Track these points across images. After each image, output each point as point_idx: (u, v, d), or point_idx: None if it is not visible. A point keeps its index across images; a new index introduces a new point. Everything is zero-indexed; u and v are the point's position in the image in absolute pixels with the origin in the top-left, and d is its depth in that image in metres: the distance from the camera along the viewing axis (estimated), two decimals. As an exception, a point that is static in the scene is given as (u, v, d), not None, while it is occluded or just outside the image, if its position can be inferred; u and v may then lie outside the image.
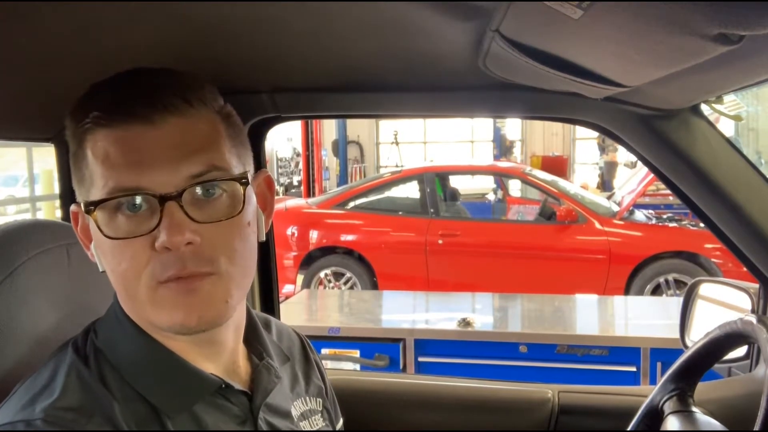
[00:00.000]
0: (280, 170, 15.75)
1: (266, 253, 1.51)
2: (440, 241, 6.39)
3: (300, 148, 13.20)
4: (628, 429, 1.07)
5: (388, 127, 16.10)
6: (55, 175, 1.34)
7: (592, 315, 4.50)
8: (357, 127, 15.45)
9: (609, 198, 7.58)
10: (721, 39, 0.54)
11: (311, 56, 1.08)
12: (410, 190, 7.14)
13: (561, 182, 7.36)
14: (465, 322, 3.69)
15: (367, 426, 1.40)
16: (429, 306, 4.96)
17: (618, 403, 1.42)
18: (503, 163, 11.19)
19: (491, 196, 9.55)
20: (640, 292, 5.91)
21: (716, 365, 1.07)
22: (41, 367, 0.74)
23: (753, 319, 0.88)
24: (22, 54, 0.87)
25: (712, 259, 5.79)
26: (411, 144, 16.66)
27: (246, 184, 0.73)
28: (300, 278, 6.57)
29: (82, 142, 0.72)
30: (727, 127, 7.85)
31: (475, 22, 0.82)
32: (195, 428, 0.74)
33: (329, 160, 14.98)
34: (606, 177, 14.04)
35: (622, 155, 12.95)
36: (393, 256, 6.51)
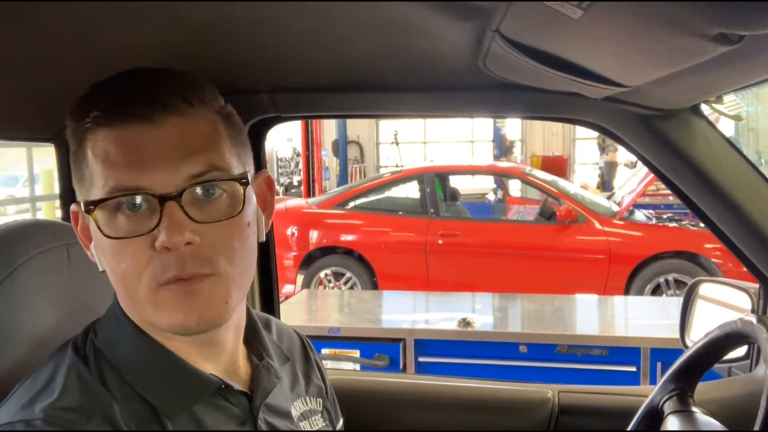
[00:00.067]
0: (280, 170, 15.75)
1: (266, 253, 1.51)
2: (440, 241, 6.39)
3: (300, 148, 13.20)
4: (628, 429, 1.07)
5: (388, 127, 16.10)
6: (55, 175, 1.34)
7: (592, 315, 4.50)
8: (357, 127, 15.45)
9: (609, 198, 7.58)
10: (721, 39, 0.54)
11: (311, 56, 1.08)
12: (410, 190, 7.14)
13: (561, 182, 7.36)
14: (465, 322, 3.69)
15: (367, 426, 1.40)
16: (429, 306, 4.96)
17: (618, 403, 1.42)
18: (503, 163, 11.19)
19: (491, 196, 9.55)
20: (640, 292, 5.91)
21: (716, 365, 1.07)
22: (41, 367, 0.74)
23: (753, 319, 0.88)
24: (22, 54, 0.87)
25: (712, 259, 5.79)
26: (411, 144, 16.66)
27: (246, 184, 0.73)
28: (300, 278, 6.57)
29: (82, 142, 0.72)
30: (727, 127, 7.85)
31: (475, 22, 0.82)
32: (195, 428, 0.74)
33: (329, 160, 14.98)
34: (606, 177, 14.04)
35: (622, 155, 12.95)
36: (393, 256, 6.51)
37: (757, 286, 1.30)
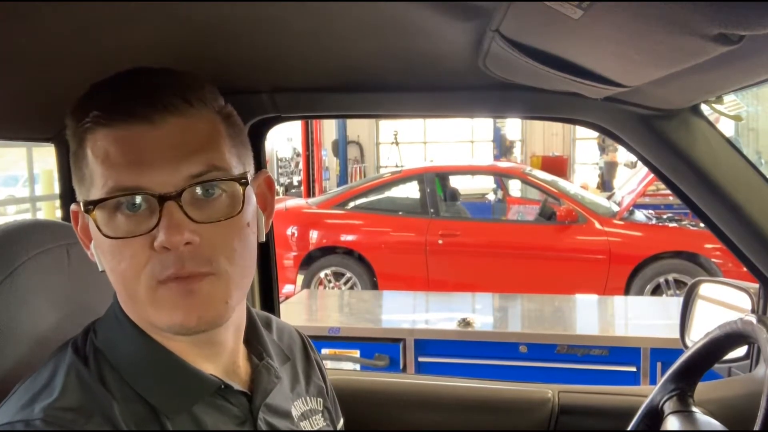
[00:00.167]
0: (280, 170, 15.75)
1: (266, 253, 1.51)
2: (440, 241, 6.38)
3: (300, 148, 13.19)
4: (628, 429, 1.07)
5: (388, 127, 16.10)
6: (55, 175, 1.34)
7: (592, 315, 4.50)
8: (357, 127, 15.45)
9: (609, 198, 7.58)
10: (721, 39, 0.54)
11: (311, 56, 1.08)
12: (410, 190, 7.14)
13: (561, 182, 7.36)
14: (465, 322, 3.69)
15: (367, 426, 1.40)
16: (429, 306, 4.96)
17: (618, 403, 1.41)
18: (503, 163, 11.19)
19: (491, 196, 9.55)
20: (640, 292, 5.91)
21: (716, 365, 1.07)
22: (41, 367, 0.74)
23: (753, 319, 0.88)
24: (22, 54, 0.87)
25: (712, 259, 5.79)
26: (411, 144, 16.66)
27: (245, 184, 0.73)
28: (300, 278, 6.57)
29: (82, 142, 0.72)
30: (727, 127, 7.85)
31: (475, 22, 0.82)
32: (194, 428, 0.74)
33: (329, 160, 14.98)
34: (606, 177, 14.04)
35: (622, 155, 12.95)
36: (393, 256, 6.51)
37: (757, 286, 1.30)
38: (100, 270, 0.74)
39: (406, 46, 1.00)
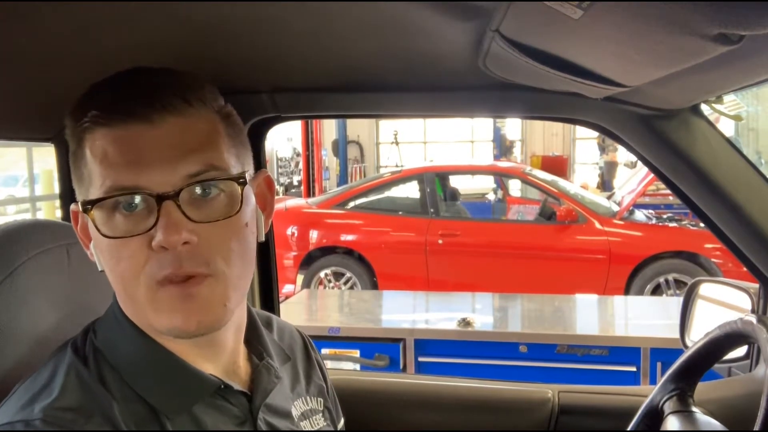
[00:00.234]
0: (280, 170, 15.74)
1: (266, 253, 1.51)
2: (440, 241, 6.38)
3: (300, 148, 13.19)
4: (628, 429, 1.07)
5: (388, 127, 16.10)
6: (55, 175, 1.34)
7: (592, 315, 4.50)
8: (357, 127, 15.45)
9: (609, 198, 7.58)
10: (721, 39, 0.54)
11: (311, 56, 1.08)
12: (410, 190, 7.14)
13: (561, 182, 7.36)
14: (465, 322, 3.69)
15: (367, 426, 1.40)
16: (429, 306, 4.96)
17: (618, 403, 1.41)
18: (503, 163, 11.18)
19: (491, 196, 9.55)
20: (640, 292, 5.91)
21: (716, 365, 1.07)
22: (41, 367, 0.74)
23: (753, 319, 0.88)
24: (22, 54, 0.87)
25: (712, 259, 5.79)
26: (411, 144, 16.66)
27: (244, 183, 0.73)
28: (300, 278, 6.57)
29: (81, 142, 0.72)
30: (727, 127, 7.85)
31: (475, 22, 0.82)
32: (194, 429, 0.74)
33: (329, 160, 14.98)
34: (606, 177, 14.04)
35: (622, 155, 12.95)
36: (393, 256, 6.51)
37: (757, 286, 1.30)
38: (100, 270, 0.74)
39: (406, 46, 1.00)
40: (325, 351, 3.55)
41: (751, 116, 10.37)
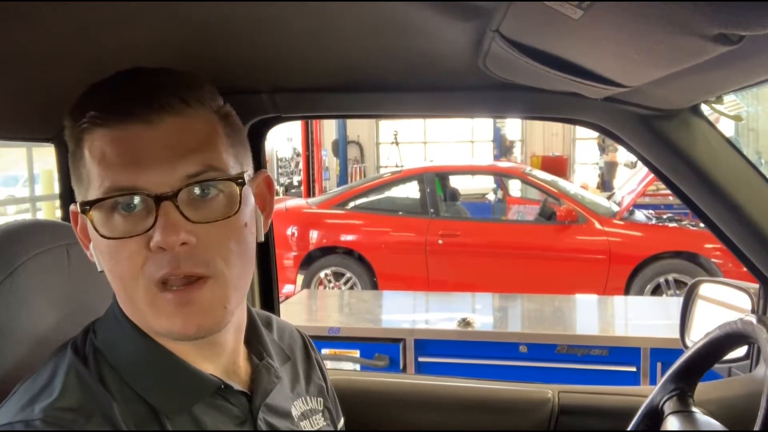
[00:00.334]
0: (280, 170, 15.75)
1: (266, 253, 1.51)
2: (440, 241, 6.38)
3: (300, 148, 13.19)
4: (628, 429, 1.07)
5: (388, 127, 16.10)
6: (55, 175, 1.34)
7: (592, 315, 4.50)
8: (357, 127, 15.45)
9: (609, 198, 7.58)
10: (721, 39, 0.54)
11: (311, 56, 1.08)
12: (410, 190, 7.14)
13: (561, 182, 7.36)
14: (465, 322, 3.69)
15: (367, 426, 1.40)
16: (429, 306, 4.96)
17: (618, 403, 1.41)
18: (503, 163, 11.19)
19: (491, 196, 9.55)
20: (640, 292, 5.91)
21: (716, 365, 1.07)
22: (41, 367, 0.74)
23: (753, 319, 0.88)
24: (22, 54, 0.87)
25: (712, 259, 5.79)
26: (411, 144, 16.66)
27: (242, 184, 0.73)
28: (300, 278, 6.57)
29: (79, 142, 0.72)
30: (727, 127, 7.84)
31: (475, 22, 0.82)
32: (194, 429, 0.74)
33: (329, 160, 14.98)
34: (606, 177, 14.04)
35: (622, 155, 12.95)
36: (393, 256, 6.50)
37: (757, 286, 1.30)
38: (100, 270, 0.74)
39: (406, 46, 1.00)
40: (325, 351, 3.55)
41: (751, 116, 10.37)
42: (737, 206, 1.16)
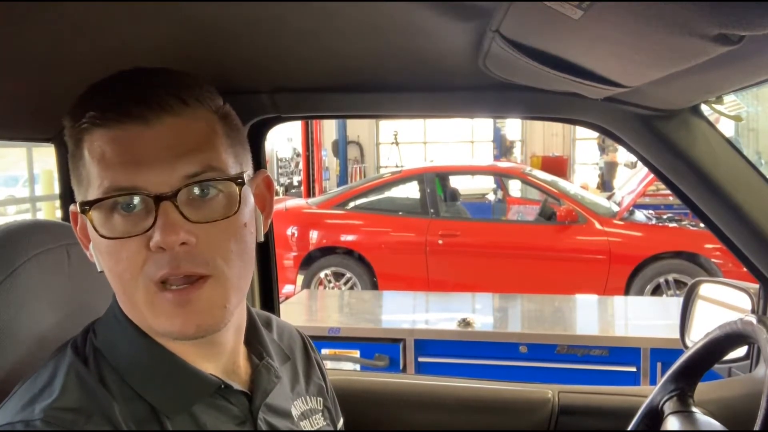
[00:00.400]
0: (280, 170, 15.75)
1: (266, 253, 1.51)
2: (440, 242, 6.38)
3: (300, 148, 13.19)
4: (628, 429, 1.07)
5: (388, 127, 16.10)
6: (55, 175, 1.34)
7: (592, 315, 4.49)
8: (357, 127, 15.45)
9: (609, 198, 7.58)
10: (721, 39, 0.54)
11: (311, 56, 1.08)
12: (410, 190, 7.14)
13: (561, 182, 7.36)
14: (465, 323, 3.69)
15: (367, 426, 1.40)
16: (429, 306, 4.96)
17: (618, 403, 1.41)
18: (503, 163, 11.19)
19: (491, 196, 9.55)
20: (640, 293, 5.91)
21: (716, 365, 1.07)
22: (41, 367, 0.74)
23: (753, 319, 0.88)
24: (23, 54, 0.87)
25: (712, 259, 5.79)
26: (411, 144, 16.66)
27: (242, 184, 0.73)
28: (300, 278, 6.57)
29: (79, 142, 0.72)
30: (727, 127, 7.84)
31: (475, 22, 0.83)
32: (194, 428, 0.74)
33: (329, 160, 14.98)
34: (606, 177, 14.04)
35: (622, 155, 12.95)
36: (393, 256, 6.50)
37: (757, 286, 1.30)
38: (99, 270, 0.74)
39: (406, 46, 1.00)
40: (325, 351, 3.55)
41: (751, 116, 10.36)
42: (737, 206, 1.16)
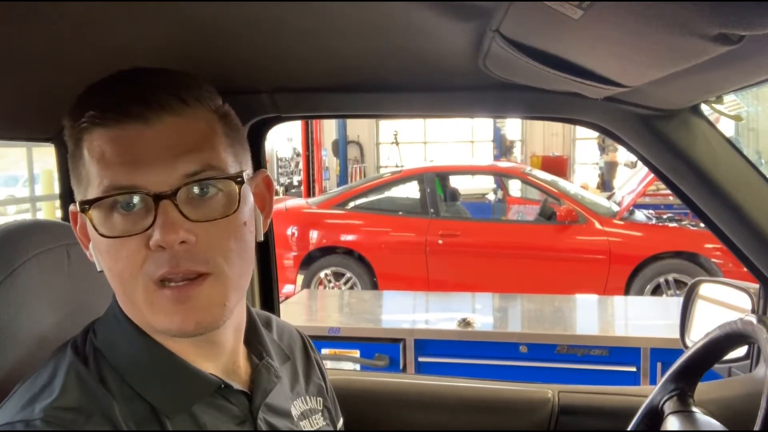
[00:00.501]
0: (280, 170, 15.75)
1: (266, 253, 1.51)
2: (440, 241, 6.38)
3: (300, 148, 13.19)
4: (628, 429, 1.07)
5: (388, 127, 16.10)
6: (55, 175, 1.34)
7: (592, 315, 4.50)
8: (357, 127, 15.45)
9: (609, 198, 7.58)
10: (721, 39, 0.54)
11: (311, 56, 1.08)
12: (410, 190, 7.14)
13: (561, 182, 7.36)
14: (465, 322, 3.69)
15: (367, 426, 1.40)
16: (429, 306, 4.96)
17: (618, 403, 1.42)
18: (503, 163, 11.19)
19: (491, 196, 9.55)
20: (640, 292, 5.91)
21: (716, 365, 1.07)
22: (41, 367, 0.74)
23: (753, 319, 0.88)
24: (23, 54, 0.87)
25: (712, 259, 5.79)
26: (411, 144, 16.66)
27: (241, 183, 0.73)
28: (300, 278, 6.57)
29: (79, 142, 0.72)
30: (727, 127, 7.84)
31: (475, 22, 0.83)
32: (194, 428, 0.74)
33: (329, 160, 14.98)
34: (606, 177, 14.04)
35: (622, 155, 12.95)
36: (393, 256, 6.51)
37: (757, 286, 1.30)
38: (99, 270, 0.74)
39: (406, 46, 1.00)
40: (325, 351, 3.55)
41: (751, 116, 10.36)
42: (737, 206, 1.16)
